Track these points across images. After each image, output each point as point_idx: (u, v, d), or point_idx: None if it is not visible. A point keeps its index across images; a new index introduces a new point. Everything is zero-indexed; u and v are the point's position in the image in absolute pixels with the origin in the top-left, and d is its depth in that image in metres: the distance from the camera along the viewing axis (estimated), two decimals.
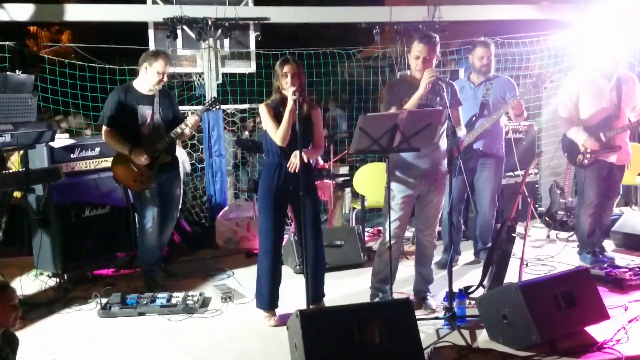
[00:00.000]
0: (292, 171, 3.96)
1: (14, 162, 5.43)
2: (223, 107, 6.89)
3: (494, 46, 5.21)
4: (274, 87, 4.08)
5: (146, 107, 4.73)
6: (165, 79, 4.74)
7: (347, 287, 4.81)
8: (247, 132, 8.06)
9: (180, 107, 5.31)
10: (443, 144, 4.17)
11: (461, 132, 4.34)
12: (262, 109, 4.05)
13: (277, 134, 3.95)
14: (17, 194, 5.22)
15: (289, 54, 3.92)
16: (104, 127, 4.70)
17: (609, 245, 5.67)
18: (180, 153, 5.80)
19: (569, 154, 5.22)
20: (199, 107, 5.01)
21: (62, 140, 5.22)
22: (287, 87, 3.91)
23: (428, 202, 4.24)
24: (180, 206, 5.18)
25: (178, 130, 4.69)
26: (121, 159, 4.69)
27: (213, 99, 4.97)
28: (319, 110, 4.19)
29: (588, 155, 5.01)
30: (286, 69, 3.95)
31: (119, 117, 4.67)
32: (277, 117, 4.01)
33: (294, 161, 3.93)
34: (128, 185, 4.80)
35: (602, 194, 5.15)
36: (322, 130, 4.20)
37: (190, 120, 4.68)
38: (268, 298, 4.14)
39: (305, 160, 3.95)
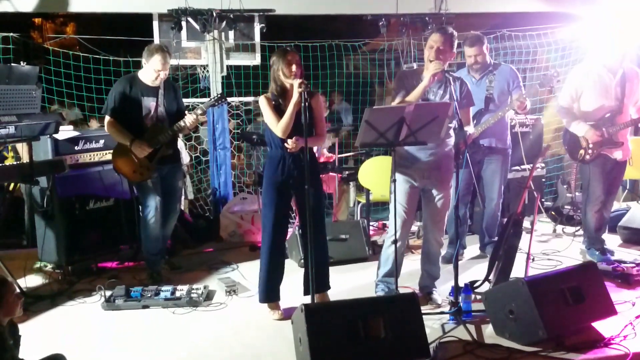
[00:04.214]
0: (290, 150, 3.91)
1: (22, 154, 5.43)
2: (227, 99, 6.86)
3: (485, 41, 5.07)
4: (272, 78, 4.01)
5: (150, 98, 4.70)
6: (163, 75, 4.68)
7: (352, 281, 4.79)
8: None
9: (185, 100, 5.27)
10: (450, 138, 4.13)
11: (469, 127, 4.30)
12: (262, 101, 4.01)
13: (278, 126, 3.92)
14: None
15: (294, 46, 3.92)
16: (107, 117, 4.68)
17: (615, 240, 5.65)
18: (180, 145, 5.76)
19: (570, 149, 5.14)
20: (204, 100, 4.97)
21: (66, 132, 5.20)
22: (291, 76, 3.87)
23: (434, 196, 4.20)
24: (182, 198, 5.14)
25: (181, 124, 4.66)
26: (122, 150, 4.67)
27: (219, 95, 4.91)
28: (319, 97, 4.13)
29: (590, 151, 4.95)
30: (290, 57, 3.91)
31: (122, 107, 4.65)
32: (276, 109, 3.97)
33: (294, 144, 3.89)
34: (127, 176, 4.77)
35: (606, 190, 5.11)
36: (324, 118, 4.16)
37: (189, 119, 4.64)
38: (270, 291, 4.12)
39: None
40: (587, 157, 4.97)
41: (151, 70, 4.63)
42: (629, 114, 4.95)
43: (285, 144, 3.92)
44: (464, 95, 4.13)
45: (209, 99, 4.93)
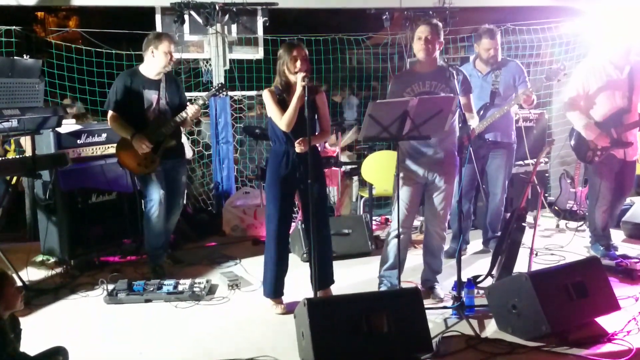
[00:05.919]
0: (300, 151, 3.90)
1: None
2: (230, 93, 6.85)
3: (500, 34, 5.08)
4: (278, 72, 4.01)
5: (152, 91, 4.69)
6: (174, 59, 4.70)
7: (355, 276, 4.79)
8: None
9: (187, 94, 5.26)
10: (455, 132, 4.11)
11: (473, 120, 4.27)
12: (266, 95, 4.00)
13: (282, 119, 3.90)
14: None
15: (297, 40, 3.90)
16: (110, 112, 4.67)
17: (619, 235, 5.64)
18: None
19: (577, 150, 5.10)
20: (205, 93, 4.96)
21: (68, 125, 5.20)
22: (296, 71, 3.86)
23: (436, 190, 4.18)
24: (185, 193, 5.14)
25: (183, 114, 4.65)
26: (125, 143, 4.66)
27: (220, 85, 4.92)
28: (323, 93, 4.12)
29: (598, 152, 4.91)
30: (295, 52, 3.89)
31: (124, 101, 4.63)
32: (280, 103, 3.96)
33: (301, 148, 3.89)
34: (132, 169, 4.77)
35: (615, 190, 5.06)
36: (328, 114, 4.15)
37: (191, 109, 4.64)
38: (274, 286, 4.12)
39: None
40: (596, 158, 4.93)
41: (162, 55, 4.60)
42: (637, 112, 4.90)
43: (295, 146, 3.91)
44: (462, 82, 4.09)
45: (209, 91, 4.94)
